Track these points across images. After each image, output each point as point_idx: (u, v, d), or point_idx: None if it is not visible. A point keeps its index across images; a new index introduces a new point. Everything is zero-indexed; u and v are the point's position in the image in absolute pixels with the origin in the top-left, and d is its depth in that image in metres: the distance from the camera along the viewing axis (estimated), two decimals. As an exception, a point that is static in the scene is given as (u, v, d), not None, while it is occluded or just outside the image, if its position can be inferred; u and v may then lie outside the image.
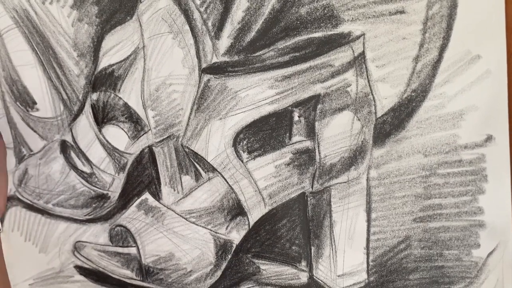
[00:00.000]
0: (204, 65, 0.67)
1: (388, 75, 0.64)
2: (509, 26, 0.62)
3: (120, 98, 0.70)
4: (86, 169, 0.74)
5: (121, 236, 0.74)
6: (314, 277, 0.71)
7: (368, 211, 0.68)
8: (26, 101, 0.72)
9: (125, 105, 0.70)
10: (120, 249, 0.75)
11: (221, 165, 0.69)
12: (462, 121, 0.64)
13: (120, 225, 0.74)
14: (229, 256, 0.72)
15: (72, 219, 0.75)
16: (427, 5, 0.63)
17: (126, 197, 0.73)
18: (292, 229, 0.70)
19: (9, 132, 0.74)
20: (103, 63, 0.70)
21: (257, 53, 0.65)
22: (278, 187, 0.69)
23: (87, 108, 0.71)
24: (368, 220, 0.68)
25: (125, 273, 0.75)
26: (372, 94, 0.65)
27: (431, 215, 0.67)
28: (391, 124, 0.65)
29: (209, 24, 0.66)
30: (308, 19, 0.63)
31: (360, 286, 0.70)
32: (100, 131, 0.72)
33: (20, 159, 0.76)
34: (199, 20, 0.66)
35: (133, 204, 0.73)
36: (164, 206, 0.72)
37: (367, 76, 0.64)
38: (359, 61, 0.64)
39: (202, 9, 0.66)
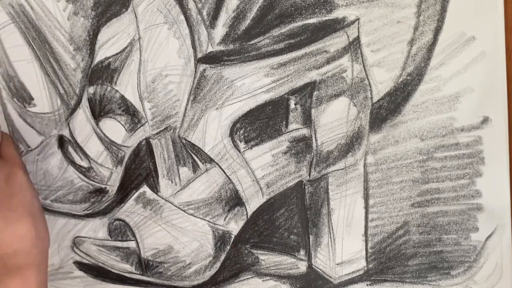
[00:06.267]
0: (199, 55, 0.67)
1: (384, 59, 0.64)
2: (509, 26, 0.62)
3: (116, 91, 0.70)
4: (84, 163, 0.74)
5: (120, 230, 0.74)
6: (313, 266, 0.71)
7: (366, 197, 0.68)
8: (23, 97, 0.72)
9: (122, 97, 0.70)
10: (119, 243, 0.75)
11: (218, 155, 0.69)
12: (458, 104, 0.64)
13: (119, 219, 0.74)
14: (228, 247, 0.72)
15: (71, 214, 0.75)
16: (420, -13, 0.63)
17: (124, 191, 0.73)
18: (290, 218, 0.70)
19: (7, 129, 0.74)
20: (100, 56, 0.70)
21: (253, 41, 0.65)
22: (275, 176, 0.69)
23: (84, 102, 0.72)
24: (366, 207, 0.68)
25: (125, 267, 0.75)
26: (368, 79, 0.64)
27: (429, 200, 0.67)
28: (387, 109, 0.65)
29: (204, 13, 0.66)
30: (303, 5, 0.63)
31: (359, 274, 0.70)
32: (97, 124, 0.72)
33: (18, 155, 0.76)
34: (194, 10, 0.66)
35: (131, 197, 0.73)
36: (162, 198, 0.72)
37: (363, 61, 0.64)
38: (354, 46, 0.64)
39: (197, -1, 0.66)
